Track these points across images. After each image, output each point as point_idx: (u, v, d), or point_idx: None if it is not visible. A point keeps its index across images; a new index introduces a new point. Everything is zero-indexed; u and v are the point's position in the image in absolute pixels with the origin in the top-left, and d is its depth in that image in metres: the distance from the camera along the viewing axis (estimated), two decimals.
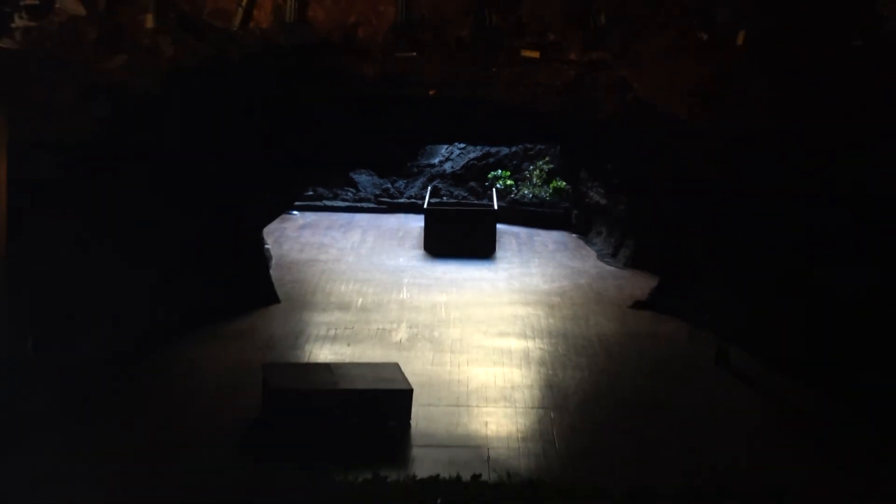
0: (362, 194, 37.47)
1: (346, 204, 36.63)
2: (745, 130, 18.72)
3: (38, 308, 17.43)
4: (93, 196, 18.44)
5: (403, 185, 37.85)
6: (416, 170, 37.61)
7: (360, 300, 26.35)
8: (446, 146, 36.67)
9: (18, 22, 14.70)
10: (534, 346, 22.68)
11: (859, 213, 17.84)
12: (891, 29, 14.34)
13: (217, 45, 17.12)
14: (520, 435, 17.30)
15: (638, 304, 25.70)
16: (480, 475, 14.75)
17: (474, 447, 16.53)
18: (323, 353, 21.53)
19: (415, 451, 16.36)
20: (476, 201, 35.03)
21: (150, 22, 15.39)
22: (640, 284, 27.41)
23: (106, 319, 19.53)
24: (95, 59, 16.47)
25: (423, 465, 15.44)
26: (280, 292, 25.47)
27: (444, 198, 35.49)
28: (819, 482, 14.95)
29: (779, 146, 18.40)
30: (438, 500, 14.21)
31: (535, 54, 16.67)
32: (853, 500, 14.29)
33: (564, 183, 34.51)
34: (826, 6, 15.04)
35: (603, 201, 31.10)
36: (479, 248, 31.12)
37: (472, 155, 37.57)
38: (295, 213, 34.06)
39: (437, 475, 14.59)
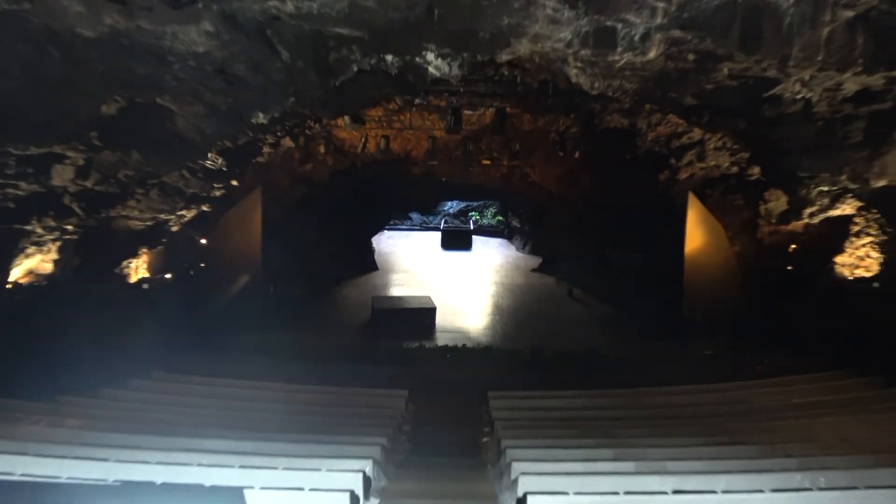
0: (413, 222, 52.27)
1: (406, 227, 51.63)
2: (579, 194, 27.70)
3: (274, 272, 24.45)
4: (299, 224, 26.45)
5: (432, 218, 53.15)
6: (437, 211, 53.82)
7: (411, 267, 37.86)
8: (449, 201, 52.67)
9: (265, 149, 21.86)
10: (489, 289, 33.02)
11: (630, 225, 25.02)
12: (642, 152, 21.99)
13: (350, 159, 25.61)
14: (482, 327, 25.32)
15: (533, 270, 37.97)
16: (465, 345, 21.73)
17: (463, 332, 24.03)
18: (395, 290, 31.54)
19: (437, 335, 23.41)
20: (463, 226, 49.38)
21: (322, 148, 24.51)
22: (534, 262, 39.70)
23: (306, 276, 28.10)
24: (298, 166, 24.80)
25: (441, 340, 22.59)
26: (378, 264, 37.30)
27: (449, 223, 50.50)
28: (612, 346, 21.71)
29: (593, 200, 26.85)
30: (447, 355, 20.88)
31: (488, 162, 26.65)
32: (629, 357, 20.72)
33: (501, 217, 51.70)
34: (612, 141, 22.64)
35: (517, 225, 47.34)
36: (465, 245, 44.30)
37: (461, 205, 54.70)
38: (385, 231, 46.92)
39: (447, 345, 21.68)
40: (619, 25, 11.56)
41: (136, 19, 10.96)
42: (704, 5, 11.21)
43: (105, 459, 9.30)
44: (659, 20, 11.27)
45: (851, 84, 13.00)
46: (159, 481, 8.32)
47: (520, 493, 8.72)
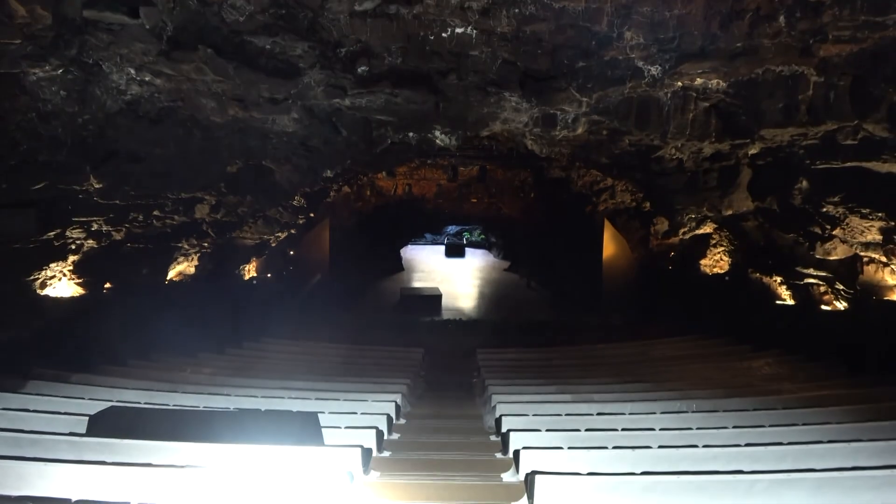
0: (427, 239, 49.66)
1: (423, 243, 49.29)
2: (534, 220, 27.24)
3: (337, 273, 24.24)
4: (353, 241, 25.86)
5: (439, 237, 50.48)
6: (442, 232, 50.80)
7: (425, 267, 36.36)
8: (450, 225, 48.76)
9: (332, 193, 22.27)
10: (476, 282, 31.80)
11: (567, 239, 25.02)
12: (574, 193, 22.23)
13: (386, 199, 25.67)
14: (472, 306, 25.07)
15: (505, 270, 35.88)
16: (461, 318, 21.84)
17: (460, 310, 23.81)
18: (415, 283, 30.34)
19: (443, 312, 23.08)
20: (459, 241, 47.45)
21: (368, 192, 24.41)
22: (505, 264, 37.30)
23: (358, 275, 27.09)
24: (353, 203, 24.83)
25: (445, 316, 22.48)
26: (404, 266, 35.59)
27: (450, 240, 48.42)
28: (555, 318, 21.84)
29: (543, 223, 26.44)
30: (449, 326, 20.94)
31: (475, 200, 26.32)
32: (566, 324, 20.79)
33: (484, 235, 48.50)
34: (555, 186, 22.94)
35: (494, 240, 44.22)
36: (460, 254, 42.49)
37: (458, 228, 51.44)
38: (409, 245, 44.92)
39: (449, 319, 21.82)
40: (558, 112, 11.63)
41: (249, 111, 11.09)
42: (612, 99, 11.29)
43: (228, 395, 9.40)
44: (583, 109, 11.35)
45: (708, 149, 13.06)
46: (263, 409, 8.39)
47: (497, 415, 8.80)
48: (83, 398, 8.43)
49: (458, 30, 9.87)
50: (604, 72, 10.65)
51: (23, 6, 7.34)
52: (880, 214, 10.96)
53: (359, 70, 10.35)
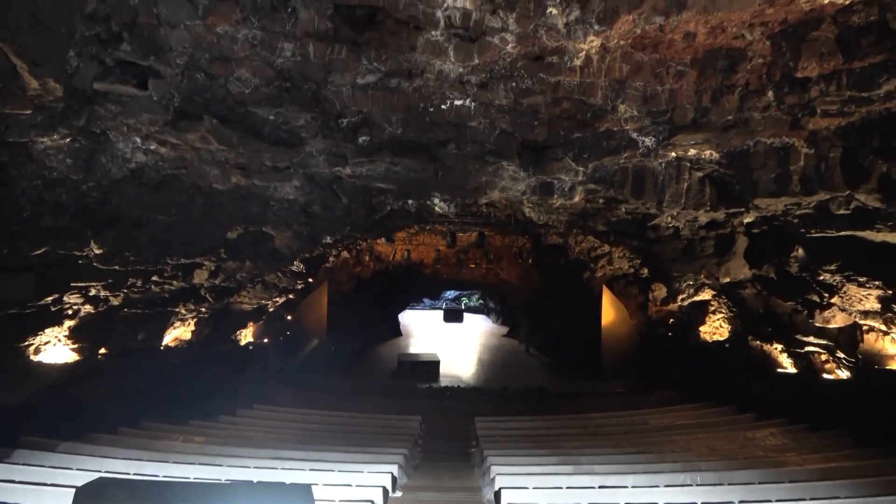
0: (425, 304, 50.24)
1: (421, 308, 49.55)
2: (531, 286, 27.20)
3: (334, 337, 24.21)
4: (351, 306, 26.26)
5: (437, 302, 50.84)
6: (441, 297, 51.15)
7: (424, 334, 36.01)
8: (448, 291, 50.16)
9: (331, 258, 22.05)
10: (474, 348, 31.66)
11: (565, 305, 25.38)
12: (572, 259, 22.10)
13: (385, 264, 25.55)
14: (471, 373, 24.79)
15: (504, 335, 36.06)
16: (459, 385, 21.39)
17: (458, 377, 23.51)
18: (413, 348, 29.92)
19: (441, 378, 22.89)
20: (457, 306, 48.06)
21: (367, 257, 24.39)
22: (503, 330, 37.69)
23: (355, 339, 27.48)
24: (352, 268, 24.74)
25: (443, 382, 22.20)
26: (402, 331, 35.51)
27: (448, 305, 49.22)
28: (554, 385, 21.25)
29: (541, 289, 26.57)
30: (448, 392, 20.47)
31: (473, 266, 26.20)
32: (566, 391, 20.26)
33: (482, 300, 48.93)
34: (552, 252, 22.78)
35: (492, 305, 44.95)
36: (459, 319, 42.11)
37: (456, 293, 52.05)
38: (407, 309, 44.75)
39: (447, 385, 21.36)
40: (555, 181, 11.76)
41: (252, 178, 11.22)
42: (608, 169, 11.46)
43: (220, 465, 9.15)
44: (580, 178, 11.48)
45: (704, 217, 13.19)
46: (255, 480, 8.16)
47: (496, 487, 8.57)
48: (70, 468, 8.23)
49: (458, 102, 10.15)
50: (599, 142, 10.90)
51: (36, 79, 7.53)
52: (877, 283, 10.99)
53: (360, 140, 10.56)
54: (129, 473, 8.32)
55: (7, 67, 7.25)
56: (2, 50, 7.00)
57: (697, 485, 8.40)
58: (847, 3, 7.87)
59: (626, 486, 8.45)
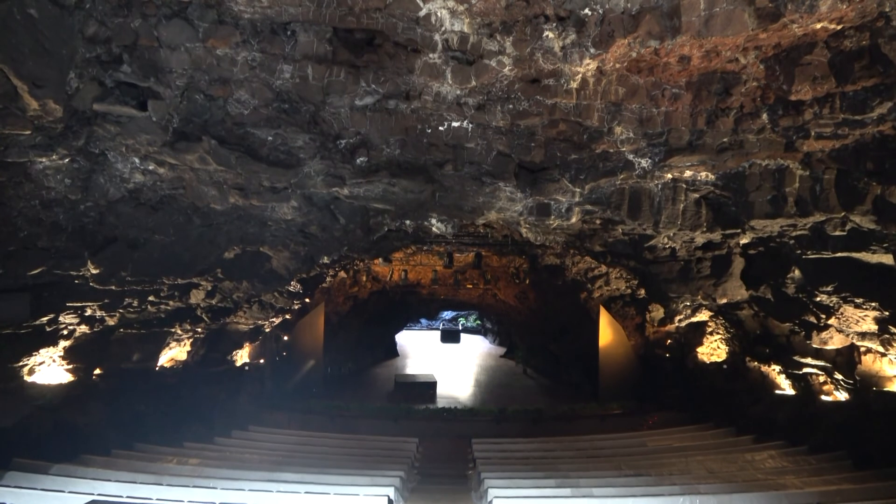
0: (422, 325, 50.72)
1: (418, 327, 50.14)
2: (528, 306, 27.25)
3: (331, 358, 24.45)
4: (348, 326, 26.32)
5: (434, 322, 50.87)
6: (438, 317, 50.72)
7: (421, 354, 36.08)
8: (445, 311, 49.66)
9: (328, 278, 22.56)
10: (471, 369, 31.74)
11: (562, 326, 25.39)
12: (569, 279, 21.99)
13: (382, 284, 25.52)
14: (468, 394, 24.88)
15: (501, 356, 36.37)
16: (456, 406, 21.04)
17: (455, 398, 23.62)
18: (410, 369, 30.12)
19: (438, 400, 23.10)
20: (455, 327, 47.84)
21: (364, 277, 24.15)
22: (501, 351, 38.04)
23: (352, 360, 27.55)
24: (349, 288, 24.61)
25: (440, 403, 22.32)
26: (399, 352, 35.95)
27: (445, 325, 49.13)
28: (552, 406, 21.09)
29: (538, 310, 26.49)
30: (444, 414, 20.16)
31: (471, 286, 26.12)
32: (564, 413, 20.11)
33: (479, 321, 48.71)
34: (549, 273, 22.65)
35: (490, 326, 44.98)
36: (456, 340, 42.28)
37: (453, 314, 51.95)
38: (404, 330, 44.47)
39: (444, 407, 21.09)
40: (552, 202, 11.80)
41: (250, 199, 11.21)
42: (605, 190, 11.51)
43: (214, 487, 9.02)
44: (577, 199, 11.52)
45: (700, 238, 13.26)
46: (250, 503, 8.03)
47: None
48: (63, 491, 8.09)
49: (455, 123, 10.18)
50: (595, 164, 10.94)
51: (36, 100, 7.56)
52: (874, 304, 11.00)
53: (358, 161, 10.59)
54: (122, 496, 8.19)
55: (7, 88, 7.27)
56: (2, 71, 7.02)
57: None
58: (839, 28, 7.93)
59: None
